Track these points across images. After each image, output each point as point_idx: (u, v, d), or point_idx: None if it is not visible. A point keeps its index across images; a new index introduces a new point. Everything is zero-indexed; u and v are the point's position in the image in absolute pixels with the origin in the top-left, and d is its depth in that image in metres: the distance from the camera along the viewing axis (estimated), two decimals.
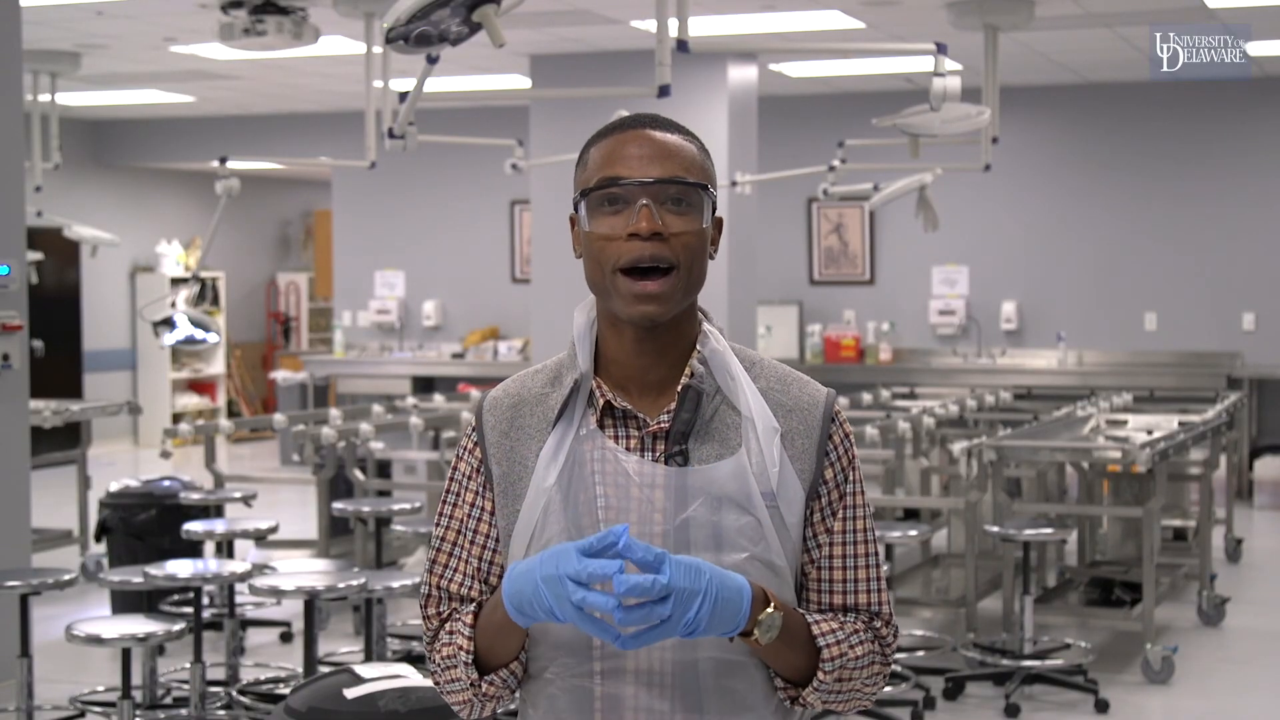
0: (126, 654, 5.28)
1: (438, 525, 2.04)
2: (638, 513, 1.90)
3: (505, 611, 1.84)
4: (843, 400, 9.18)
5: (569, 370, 1.99)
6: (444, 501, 2.04)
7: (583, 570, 1.74)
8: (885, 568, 6.61)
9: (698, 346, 1.98)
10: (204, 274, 14.73)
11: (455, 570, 2.01)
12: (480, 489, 2.01)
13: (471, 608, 1.98)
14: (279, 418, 8.94)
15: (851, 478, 1.99)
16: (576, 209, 1.96)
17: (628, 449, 1.93)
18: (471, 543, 2.00)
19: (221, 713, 5.98)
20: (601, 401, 1.95)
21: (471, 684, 1.95)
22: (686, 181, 1.92)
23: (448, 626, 1.99)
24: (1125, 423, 8.17)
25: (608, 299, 1.94)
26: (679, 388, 1.95)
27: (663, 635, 1.77)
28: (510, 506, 1.97)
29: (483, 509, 2.00)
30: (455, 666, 1.96)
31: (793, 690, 1.94)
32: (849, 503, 1.99)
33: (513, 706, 2.05)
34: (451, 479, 2.04)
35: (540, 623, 1.84)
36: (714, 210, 1.97)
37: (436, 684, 2.02)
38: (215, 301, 15.92)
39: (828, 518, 1.97)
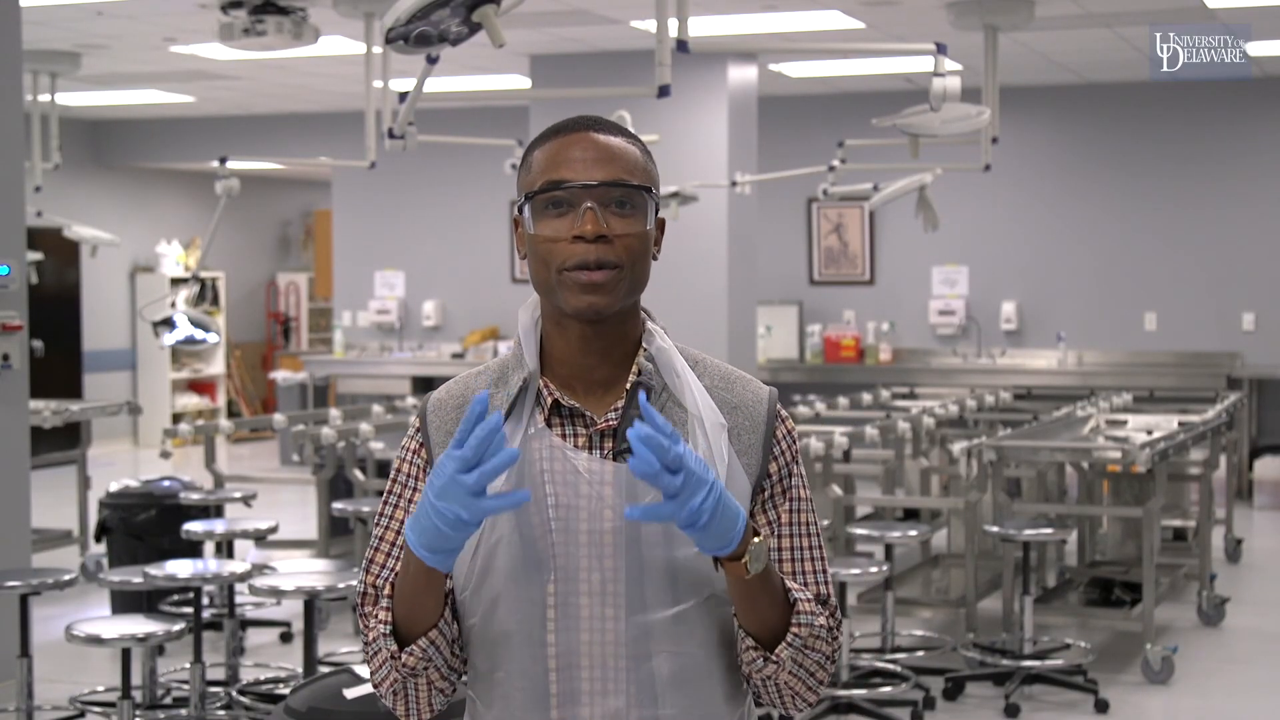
0: (126, 654, 5.28)
1: (377, 525, 2.03)
2: (588, 510, 1.92)
3: (416, 567, 1.84)
4: (842, 400, 9.19)
5: (515, 370, 2.00)
6: (385, 502, 2.03)
7: (466, 454, 1.73)
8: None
9: (644, 344, 2.00)
10: (204, 274, 14.74)
11: (391, 570, 2.00)
12: None
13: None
14: (279, 418, 8.95)
15: (794, 471, 2.02)
16: (520, 211, 1.98)
17: (576, 447, 1.95)
18: None
19: (221, 713, 5.98)
20: (549, 400, 1.97)
21: (392, 656, 1.93)
22: (630, 184, 1.95)
23: (371, 611, 1.99)
24: (1125, 423, 8.17)
25: (553, 296, 1.95)
26: (628, 385, 1.96)
27: (667, 515, 1.76)
28: None
29: None
30: (380, 651, 1.94)
31: (762, 650, 1.94)
32: (794, 495, 2.02)
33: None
34: (394, 480, 2.03)
35: (486, 612, 1.86)
36: (657, 212, 1.99)
37: (374, 684, 2.00)
38: (215, 301, 15.92)
39: (769, 509, 2.00)
